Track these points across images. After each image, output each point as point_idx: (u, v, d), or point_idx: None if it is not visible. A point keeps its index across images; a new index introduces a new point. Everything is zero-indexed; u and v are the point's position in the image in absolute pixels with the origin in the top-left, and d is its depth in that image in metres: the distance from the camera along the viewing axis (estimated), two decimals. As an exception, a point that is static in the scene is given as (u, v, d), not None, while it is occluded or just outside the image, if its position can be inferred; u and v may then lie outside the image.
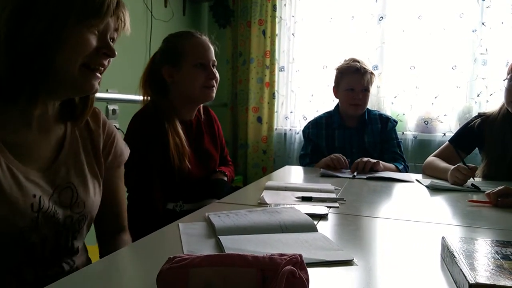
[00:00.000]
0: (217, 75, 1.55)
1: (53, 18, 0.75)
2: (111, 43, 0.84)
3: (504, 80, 1.78)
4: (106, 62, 0.84)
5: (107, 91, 2.29)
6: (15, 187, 0.76)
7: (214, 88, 1.55)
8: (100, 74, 0.85)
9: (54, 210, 0.83)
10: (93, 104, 0.93)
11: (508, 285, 0.58)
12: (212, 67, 1.54)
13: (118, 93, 2.35)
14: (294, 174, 1.96)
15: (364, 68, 2.06)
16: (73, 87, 0.82)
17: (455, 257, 0.69)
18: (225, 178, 1.62)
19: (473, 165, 1.58)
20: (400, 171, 1.98)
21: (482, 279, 0.60)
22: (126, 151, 1.07)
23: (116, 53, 0.84)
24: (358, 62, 2.09)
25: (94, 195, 0.93)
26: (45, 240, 0.83)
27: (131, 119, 1.50)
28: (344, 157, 1.91)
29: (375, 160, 1.87)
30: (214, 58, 1.56)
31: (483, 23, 2.78)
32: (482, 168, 1.86)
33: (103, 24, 0.81)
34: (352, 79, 2.07)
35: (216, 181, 1.61)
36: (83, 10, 0.77)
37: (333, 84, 2.18)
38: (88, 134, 0.96)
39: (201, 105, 1.64)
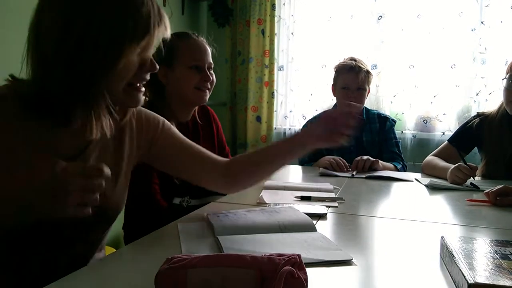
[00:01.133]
0: (213, 77, 1.54)
1: (109, 45, 0.75)
2: (151, 57, 0.83)
3: (503, 79, 1.78)
4: (148, 76, 0.85)
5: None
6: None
7: (208, 90, 1.53)
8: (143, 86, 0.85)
9: None
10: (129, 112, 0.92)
11: (507, 284, 0.58)
12: (207, 70, 1.52)
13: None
14: (293, 173, 1.96)
15: (359, 67, 2.05)
16: (118, 104, 0.84)
17: (454, 256, 0.69)
18: None
19: (474, 165, 1.58)
20: (398, 170, 1.98)
21: (481, 279, 0.60)
22: (156, 117, 1.04)
23: (157, 66, 0.84)
24: (355, 60, 2.08)
25: (116, 188, 0.92)
26: (60, 227, 0.81)
27: None
28: (344, 161, 1.90)
29: (374, 159, 1.87)
30: (211, 61, 1.54)
31: (482, 22, 2.78)
32: (481, 168, 1.86)
33: (149, 43, 0.81)
34: (347, 78, 2.07)
35: None
36: (135, 35, 0.77)
37: (332, 83, 2.19)
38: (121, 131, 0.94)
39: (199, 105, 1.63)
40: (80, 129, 0.81)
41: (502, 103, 1.83)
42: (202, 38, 1.55)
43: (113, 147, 0.92)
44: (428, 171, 1.87)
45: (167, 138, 1.02)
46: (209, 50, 1.54)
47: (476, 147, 1.95)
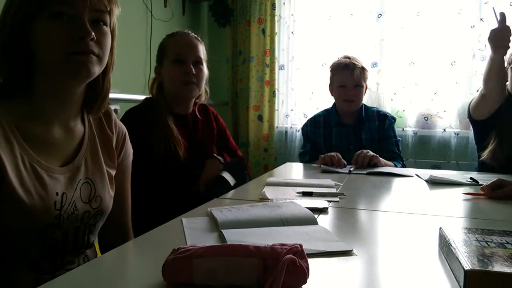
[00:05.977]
0: (201, 72, 1.57)
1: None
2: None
3: (506, 68, 1.79)
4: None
5: (108, 91, 2.31)
6: (39, 186, 0.79)
7: (193, 84, 1.55)
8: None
9: (75, 206, 0.86)
10: (106, 96, 0.94)
11: (503, 271, 0.60)
12: (193, 64, 1.54)
13: (120, 93, 2.36)
14: (295, 170, 1.98)
15: (354, 64, 2.07)
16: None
17: (451, 245, 0.71)
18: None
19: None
20: (397, 169, 1.99)
21: (477, 266, 0.62)
22: (131, 152, 1.09)
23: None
24: (349, 58, 2.10)
25: (109, 191, 0.96)
26: (66, 235, 0.86)
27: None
28: (340, 156, 1.90)
29: (373, 154, 1.87)
30: (200, 55, 1.57)
31: (481, 19, 2.79)
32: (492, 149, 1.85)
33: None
34: (343, 76, 2.08)
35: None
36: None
37: (329, 83, 2.20)
38: (102, 131, 0.99)
39: (199, 102, 1.67)
40: (71, 127, 0.89)
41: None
42: (191, 35, 1.59)
43: (101, 149, 0.97)
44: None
45: (124, 175, 1.06)
46: (198, 45, 1.58)
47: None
